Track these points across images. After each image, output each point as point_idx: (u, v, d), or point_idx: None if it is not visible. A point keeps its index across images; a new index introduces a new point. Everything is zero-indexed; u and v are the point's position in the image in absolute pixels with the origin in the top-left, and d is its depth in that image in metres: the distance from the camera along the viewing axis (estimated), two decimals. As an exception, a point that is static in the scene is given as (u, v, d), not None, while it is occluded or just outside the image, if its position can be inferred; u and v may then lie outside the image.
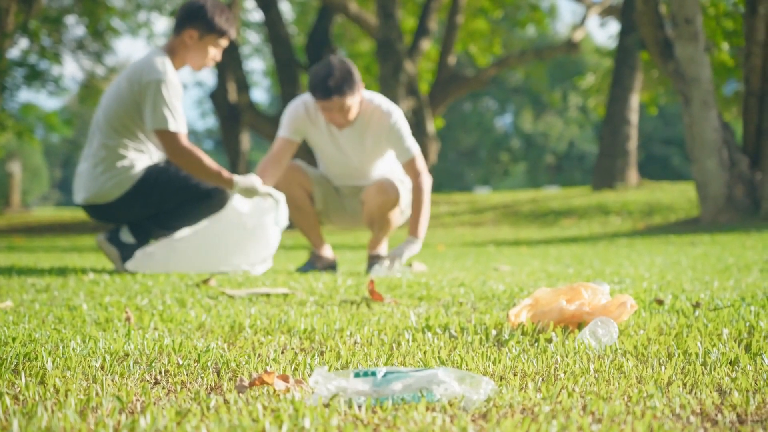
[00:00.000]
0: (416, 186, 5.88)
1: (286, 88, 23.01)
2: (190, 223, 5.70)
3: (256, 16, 38.03)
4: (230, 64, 24.24)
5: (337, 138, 6.02)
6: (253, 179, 5.53)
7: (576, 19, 53.24)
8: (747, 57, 15.43)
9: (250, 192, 5.53)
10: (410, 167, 5.91)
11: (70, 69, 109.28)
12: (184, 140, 5.45)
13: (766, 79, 15.05)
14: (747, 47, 15.46)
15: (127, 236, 5.60)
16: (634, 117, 25.40)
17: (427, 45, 23.40)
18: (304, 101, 6.05)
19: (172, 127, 5.41)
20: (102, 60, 30.43)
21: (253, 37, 43.22)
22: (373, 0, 23.56)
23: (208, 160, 5.48)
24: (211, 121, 67.73)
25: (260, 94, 66.17)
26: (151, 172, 5.61)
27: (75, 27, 30.51)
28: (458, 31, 24.91)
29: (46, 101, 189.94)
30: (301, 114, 6.04)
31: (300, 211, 6.12)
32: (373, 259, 6.11)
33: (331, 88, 5.73)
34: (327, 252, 6.23)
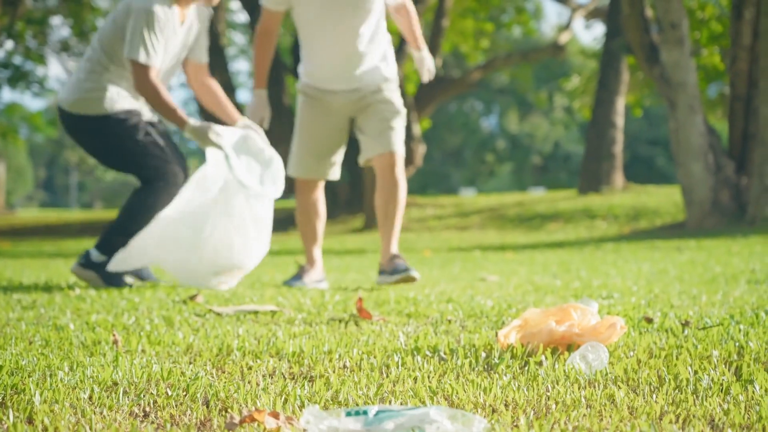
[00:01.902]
0: (406, 7, 5.91)
1: (271, 90, 22.98)
2: (146, 221, 5.53)
3: (242, 17, 38.04)
4: (215, 66, 24.20)
5: None
6: (208, 127, 5.41)
7: (562, 21, 53.39)
8: (733, 61, 15.47)
9: (201, 136, 5.40)
10: None
11: (55, 70, 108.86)
12: (152, 75, 5.40)
13: (752, 84, 15.09)
14: (733, 51, 15.50)
15: (96, 256, 5.57)
16: (619, 120, 25.43)
17: (412, 48, 23.39)
18: None
19: (142, 59, 5.38)
20: (87, 61, 30.32)
21: (239, 38, 43.20)
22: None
23: (169, 99, 5.43)
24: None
25: (246, 96, 66.21)
26: (123, 120, 5.56)
27: (60, 28, 30.45)
28: (444, 34, 24.91)
29: (30, 101, 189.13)
30: None
31: (308, 219, 5.99)
32: (395, 259, 5.70)
33: None
34: (318, 268, 6.06)
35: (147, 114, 5.69)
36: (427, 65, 5.87)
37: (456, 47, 29.68)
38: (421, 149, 21.82)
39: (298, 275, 6.00)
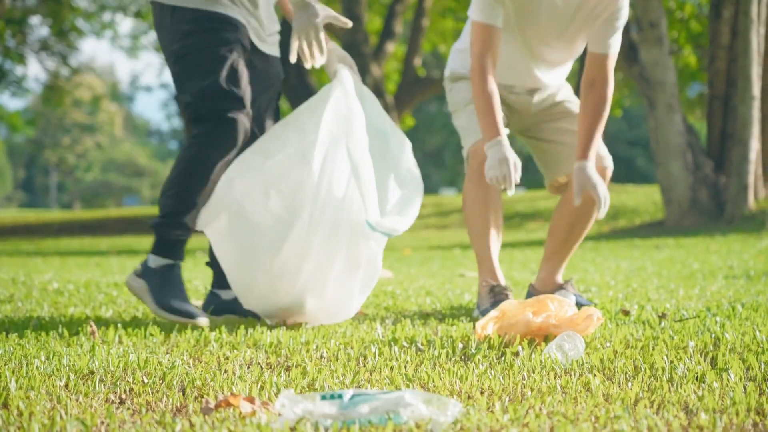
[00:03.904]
0: (600, 95, 4.43)
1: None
2: (193, 178, 3.68)
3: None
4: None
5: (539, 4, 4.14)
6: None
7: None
8: (711, 60, 15.53)
9: (304, 6, 3.92)
10: (601, 66, 4.35)
11: (34, 70, 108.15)
12: None
13: (731, 83, 15.13)
14: (711, 51, 15.56)
15: (153, 259, 3.71)
16: (599, 120, 25.44)
17: (392, 48, 23.41)
18: None
19: None
20: (67, 61, 30.23)
21: None
22: (338, 2, 23.55)
23: None
24: (176, 122, 67.63)
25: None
26: (209, 28, 3.74)
27: (39, 27, 30.31)
28: (424, 34, 24.90)
29: (8, 101, 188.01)
30: None
31: (484, 210, 4.47)
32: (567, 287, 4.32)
33: None
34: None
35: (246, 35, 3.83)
36: (601, 192, 4.38)
37: (436, 47, 29.68)
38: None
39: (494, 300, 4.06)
